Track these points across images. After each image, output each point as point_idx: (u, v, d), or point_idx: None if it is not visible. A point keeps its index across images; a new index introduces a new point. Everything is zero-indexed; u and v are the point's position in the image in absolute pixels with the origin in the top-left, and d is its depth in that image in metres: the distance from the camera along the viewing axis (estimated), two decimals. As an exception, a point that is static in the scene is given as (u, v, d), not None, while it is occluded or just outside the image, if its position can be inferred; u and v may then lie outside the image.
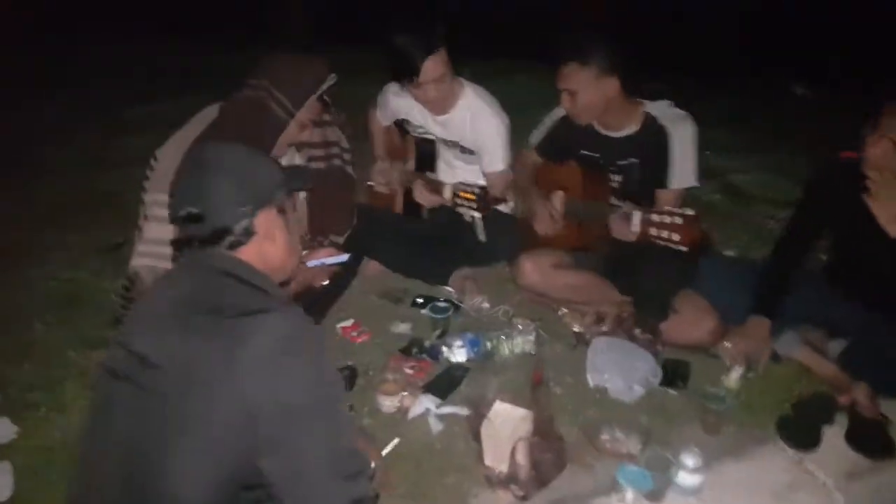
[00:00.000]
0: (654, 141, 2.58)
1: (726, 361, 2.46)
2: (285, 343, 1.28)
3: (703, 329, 2.54)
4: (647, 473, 1.96)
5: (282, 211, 1.50)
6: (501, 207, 3.10)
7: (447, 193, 2.69)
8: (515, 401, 2.12)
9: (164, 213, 2.20)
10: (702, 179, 2.64)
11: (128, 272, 2.33)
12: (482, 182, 2.92)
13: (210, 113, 2.37)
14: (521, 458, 1.97)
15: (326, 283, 2.56)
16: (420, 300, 2.88)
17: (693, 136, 2.57)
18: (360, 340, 2.64)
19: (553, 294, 2.79)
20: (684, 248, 2.20)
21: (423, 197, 2.87)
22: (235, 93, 2.36)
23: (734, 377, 2.39)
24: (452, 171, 3.07)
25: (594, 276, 2.77)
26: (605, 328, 2.61)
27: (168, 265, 2.23)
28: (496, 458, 2.04)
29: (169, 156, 2.26)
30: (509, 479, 1.98)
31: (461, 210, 2.70)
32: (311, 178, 1.67)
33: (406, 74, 2.68)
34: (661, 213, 2.24)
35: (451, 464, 2.09)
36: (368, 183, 3.22)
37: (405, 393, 2.29)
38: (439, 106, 2.85)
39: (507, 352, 2.55)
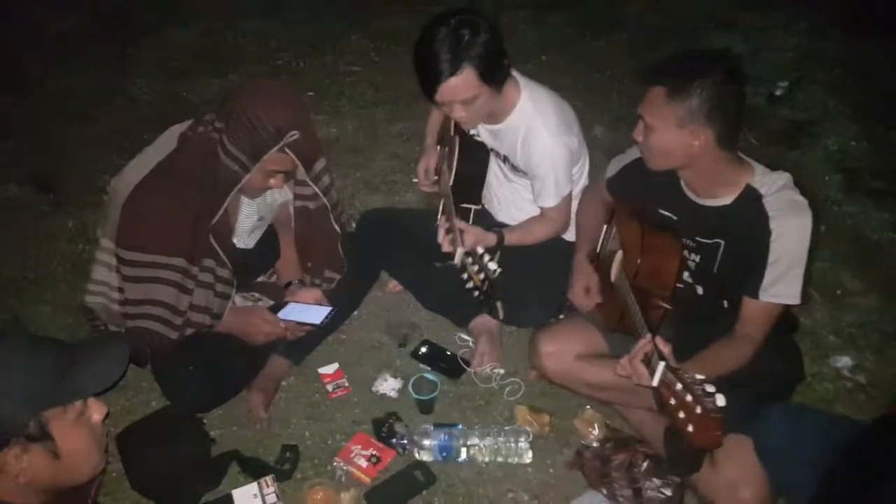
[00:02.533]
0: (749, 229, 1.87)
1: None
2: None
3: (740, 499, 1.94)
4: None
5: (35, 440, 1.18)
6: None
7: (457, 258, 2.14)
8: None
9: (111, 259, 2.03)
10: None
11: (84, 303, 2.18)
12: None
13: (170, 140, 2.06)
14: None
15: (302, 335, 2.28)
16: (424, 349, 2.48)
17: (805, 240, 1.84)
18: (334, 396, 2.35)
19: (573, 389, 2.30)
20: (690, 444, 1.61)
21: (441, 238, 2.23)
22: (197, 123, 2.02)
23: None
24: (510, 185, 2.49)
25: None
26: (613, 466, 2.11)
27: (118, 308, 2.10)
28: None
29: (119, 193, 2.02)
30: None
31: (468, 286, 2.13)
32: (122, 360, 1.33)
33: (424, 92, 2.11)
34: (690, 385, 1.61)
35: None
36: (413, 179, 2.72)
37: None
38: (481, 122, 2.28)
39: (485, 459, 2.17)
